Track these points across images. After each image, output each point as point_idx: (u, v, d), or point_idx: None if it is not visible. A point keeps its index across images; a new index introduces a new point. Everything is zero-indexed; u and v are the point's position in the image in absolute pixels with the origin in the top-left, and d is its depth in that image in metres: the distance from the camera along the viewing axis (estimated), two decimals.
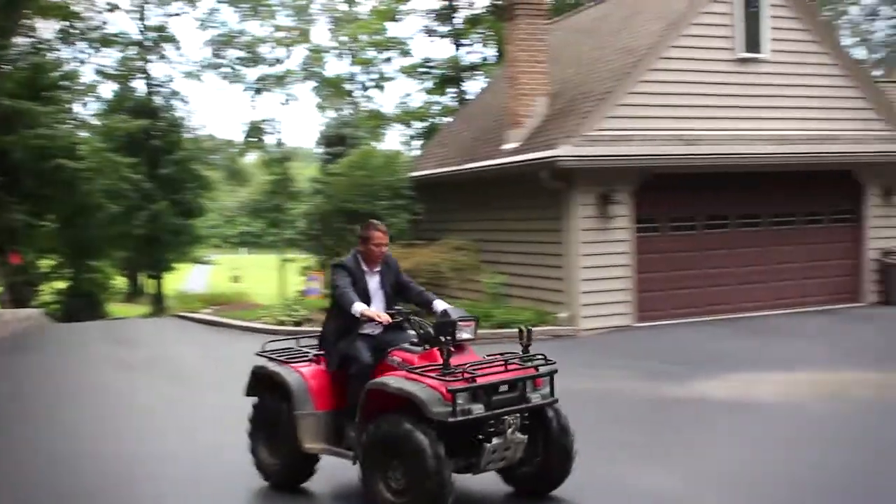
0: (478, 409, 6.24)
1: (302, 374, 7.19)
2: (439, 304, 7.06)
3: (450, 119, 29.51)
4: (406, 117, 42.27)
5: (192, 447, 8.94)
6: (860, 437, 8.77)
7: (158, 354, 15.47)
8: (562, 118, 16.38)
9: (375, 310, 7.02)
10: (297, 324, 16.95)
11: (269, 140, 52.76)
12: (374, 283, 7.28)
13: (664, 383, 11.42)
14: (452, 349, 6.44)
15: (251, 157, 59.20)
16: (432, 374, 6.25)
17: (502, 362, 6.53)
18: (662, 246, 16.29)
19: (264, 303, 19.73)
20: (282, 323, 17.20)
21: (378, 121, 43.15)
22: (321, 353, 7.39)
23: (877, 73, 37.01)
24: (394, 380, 6.38)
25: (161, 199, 43.65)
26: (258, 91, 50.54)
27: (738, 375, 11.67)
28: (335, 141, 35.31)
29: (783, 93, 16.89)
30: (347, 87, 47.37)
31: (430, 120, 40.25)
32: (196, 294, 28.31)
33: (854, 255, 17.89)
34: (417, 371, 6.33)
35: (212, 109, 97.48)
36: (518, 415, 6.52)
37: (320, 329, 7.48)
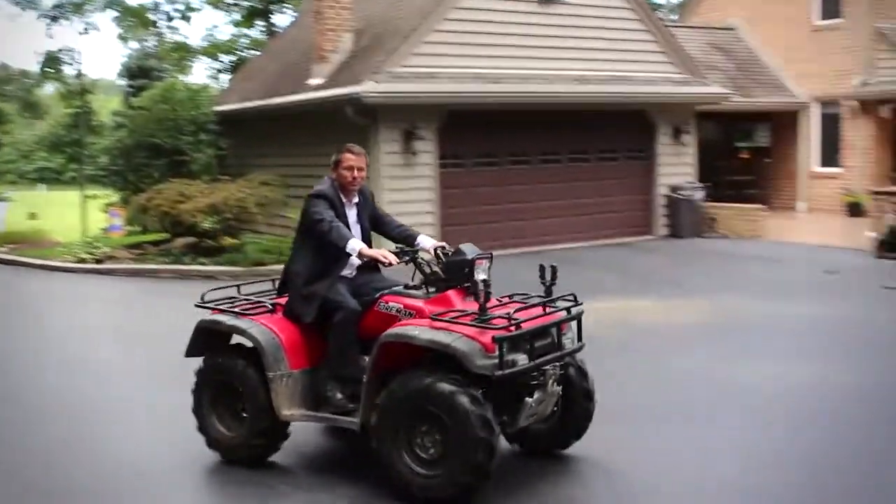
0: (522, 360, 5.45)
1: (269, 328, 6.07)
2: (426, 240, 6.34)
3: (258, 53, 28.99)
4: (213, 50, 41.04)
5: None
6: (640, 363, 9.38)
7: None
8: (367, 54, 16.44)
9: (364, 247, 5.97)
10: (99, 261, 16.50)
11: (67, 71, 50.26)
12: (352, 216, 6.34)
13: None
14: (461, 291, 5.76)
15: (49, 89, 56.31)
16: (465, 322, 5.41)
17: (539, 305, 5.86)
18: (466, 181, 16.72)
19: (64, 240, 19.03)
20: (82, 261, 16.68)
21: (184, 53, 41.73)
22: (281, 300, 6.36)
23: (674, 17, 38.55)
24: (418, 330, 5.44)
25: None
26: (54, 19, 47.89)
27: None
28: (138, 73, 34.05)
29: (582, 34, 17.52)
30: (151, 17, 45.54)
31: (239, 53, 39.26)
32: None
33: (646, 191, 18.87)
34: (446, 319, 5.43)
35: (3, 38, 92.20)
36: (557, 364, 5.85)
37: (280, 271, 6.47)
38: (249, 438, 6.15)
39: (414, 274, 6.16)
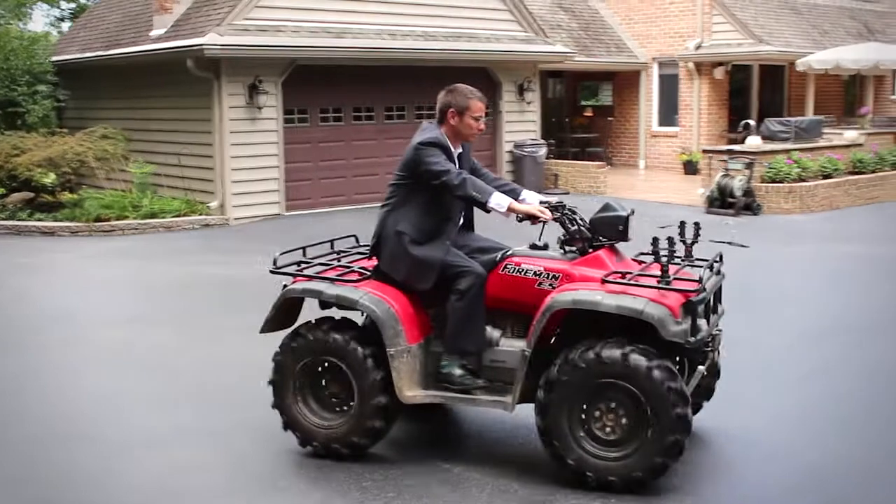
0: (704, 326, 5.12)
1: (382, 297, 5.34)
2: (530, 195, 5.66)
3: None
4: None
5: None
6: None
7: None
8: (210, 6, 16.16)
9: (513, 202, 5.32)
10: None
11: None
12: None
13: None
14: (612, 251, 5.36)
15: None
16: (646, 285, 4.97)
17: (708, 267, 5.36)
18: (311, 136, 16.70)
19: None
20: None
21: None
22: (367, 263, 5.74)
23: None
24: (600, 294, 4.91)
25: None
26: None
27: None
28: None
29: None
30: None
31: (81, 0, 37.82)
32: None
33: (491, 148, 19.21)
34: (620, 282, 4.98)
35: None
36: (720, 329, 5.60)
37: (377, 230, 5.56)
38: (357, 427, 5.42)
39: (542, 233, 5.53)
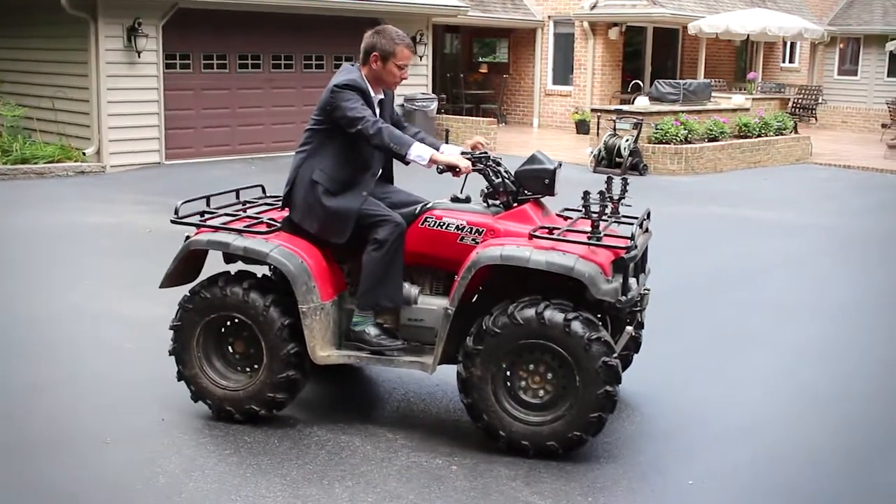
0: (634, 286, 4.91)
1: (294, 251, 5.00)
2: (450, 147, 5.30)
3: None
4: None
5: None
6: None
7: None
8: None
9: (435, 152, 4.97)
10: None
11: None
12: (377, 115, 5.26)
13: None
14: (538, 205, 5.14)
15: None
16: (574, 241, 4.74)
17: (638, 224, 5.06)
18: (194, 83, 16.16)
19: None
20: None
21: None
22: (275, 215, 5.37)
23: None
24: (528, 250, 4.68)
25: None
26: None
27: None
28: None
29: None
30: None
31: None
32: None
33: None
34: (546, 237, 4.76)
35: None
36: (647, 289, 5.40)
37: (290, 177, 5.16)
38: (266, 389, 5.05)
39: (464, 185, 5.20)
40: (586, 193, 5.00)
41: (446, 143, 5.79)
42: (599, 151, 16.58)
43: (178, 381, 5.27)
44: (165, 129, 15.67)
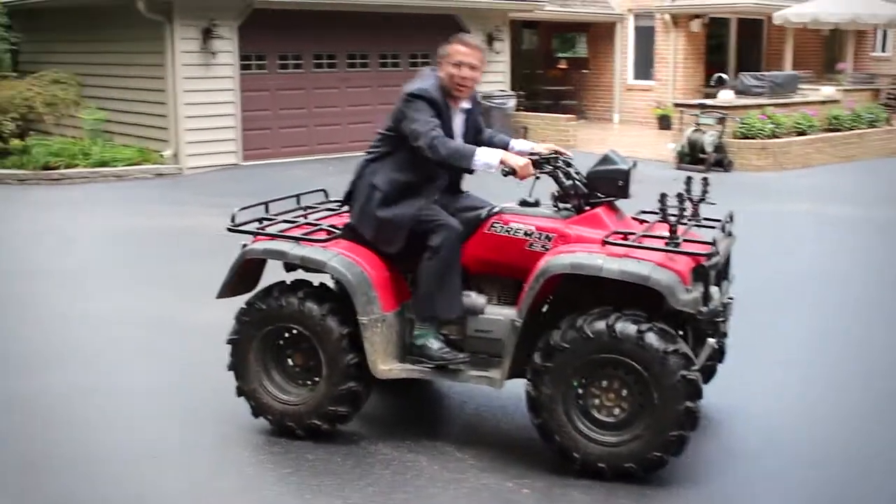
0: (716, 295, 4.62)
1: (354, 259, 4.78)
2: (520, 143, 5.13)
3: None
4: None
5: None
6: None
7: None
8: None
9: (504, 154, 4.72)
10: None
11: None
12: (457, 125, 4.98)
13: None
14: (612, 209, 4.83)
15: None
16: (651, 248, 4.44)
17: (720, 227, 4.85)
18: (270, 84, 16.13)
19: None
20: None
21: None
22: (337, 220, 5.17)
23: None
24: (601, 258, 4.38)
25: None
26: None
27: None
28: None
29: None
30: None
31: None
32: None
33: None
34: (622, 244, 4.45)
35: None
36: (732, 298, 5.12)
37: (354, 177, 5.01)
38: (327, 402, 4.84)
39: (532, 188, 4.89)
40: (663, 195, 4.60)
41: (524, 140, 5.45)
42: (682, 147, 16.10)
43: (238, 396, 5.07)
44: (242, 130, 15.66)
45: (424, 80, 4.88)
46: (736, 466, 4.83)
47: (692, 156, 15.96)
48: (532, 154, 4.85)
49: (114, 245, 10.22)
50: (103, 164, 14.70)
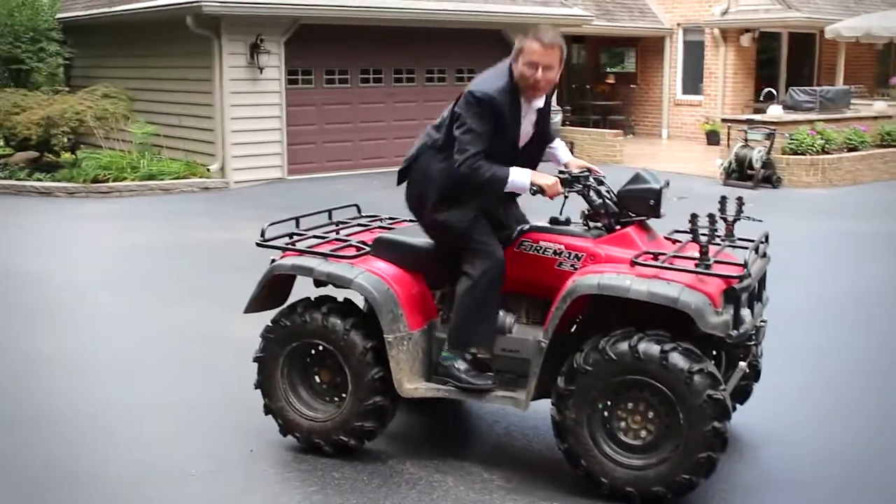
0: (748, 318, 4.46)
1: (381, 276, 4.73)
2: (564, 154, 4.99)
3: None
4: None
5: None
6: None
7: None
8: None
9: (534, 174, 4.54)
10: None
11: None
12: (527, 125, 4.72)
13: None
14: (643, 228, 4.73)
15: None
16: (679, 269, 4.33)
17: (753, 248, 4.66)
18: (316, 98, 16.22)
19: None
20: None
21: None
22: (366, 236, 5.12)
23: None
24: (629, 279, 4.29)
25: None
26: None
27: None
28: None
29: None
30: None
31: None
32: None
33: None
34: (652, 264, 4.35)
35: None
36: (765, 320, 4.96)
37: (413, 153, 4.84)
38: (354, 418, 4.80)
39: (563, 206, 4.77)
40: (693, 216, 4.46)
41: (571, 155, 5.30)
42: (730, 163, 15.89)
43: (266, 414, 5.07)
44: (288, 144, 15.76)
45: (495, 79, 4.56)
46: (774, 495, 4.70)
47: (740, 172, 15.76)
48: (562, 172, 4.77)
49: (156, 258, 10.31)
50: (151, 177, 14.89)
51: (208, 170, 15.29)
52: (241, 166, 15.28)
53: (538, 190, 4.54)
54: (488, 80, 4.56)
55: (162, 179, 14.86)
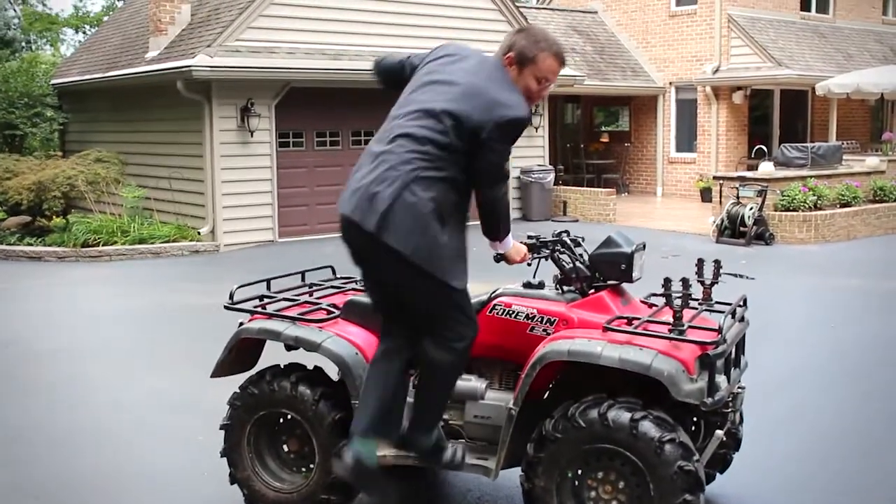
0: (723, 383, 4.30)
1: (349, 340, 4.61)
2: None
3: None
4: (77, 22, 39.53)
5: None
6: None
7: None
8: (203, 27, 15.83)
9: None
10: None
11: None
12: None
13: None
14: (617, 292, 4.62)
15: None
16: (652, 334, 4.18)
17: (729, 312, 4.53)
18: (307, 161, 16.26)
19: None
20: None
21: (46, 24, 40.03)
22: (337, 299, 4.95)
23: None
24: (600, 345, 4.16)
25: None
26: None
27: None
28: None
29: (431, 12, 17.18)
30: None
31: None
32: None
33: None
34: (625, 329, 4.21)
35: None
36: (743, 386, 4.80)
37: (433, 234, 4.00)
38: (319, 492, 4.63)
39: (536, 270, 4.70)
40: (667, 280, 4.40)
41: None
42: (722, 221, 15.86)
43: (231, 484, 4.94)
44: (279, 206, 15.77)
45: (515, 92, 4.04)
46: None
47: (732, 229, 15.71)
48: (531, 237, 4.66)
49: (142, 323, 10.23)
50: (141, 241, 14.87)
51: (199, 233, 15.27)
52: (232, 229, 15.27)
53: (501, 256, 4.44)
54: (513, 96, 4.02)
55: (152, 243, 14.83)
